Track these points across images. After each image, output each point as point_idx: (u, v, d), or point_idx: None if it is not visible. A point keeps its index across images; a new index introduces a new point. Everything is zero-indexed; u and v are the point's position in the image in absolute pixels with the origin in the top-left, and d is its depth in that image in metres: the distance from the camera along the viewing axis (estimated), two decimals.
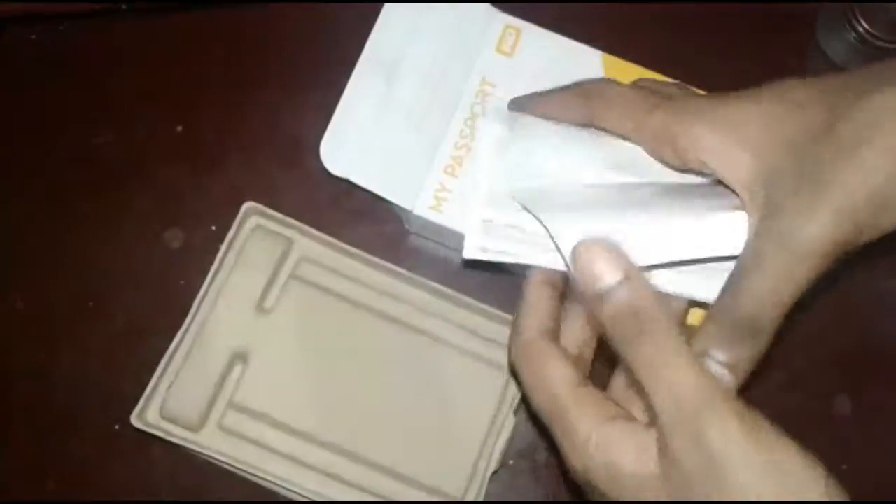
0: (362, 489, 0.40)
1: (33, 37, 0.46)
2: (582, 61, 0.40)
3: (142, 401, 0.39)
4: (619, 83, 0.33)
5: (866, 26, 0.45)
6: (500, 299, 0.43)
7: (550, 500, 0.43)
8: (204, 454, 0.40)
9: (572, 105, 0.34)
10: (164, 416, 0.40)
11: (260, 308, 0.41)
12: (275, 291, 0.41)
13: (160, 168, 0.45)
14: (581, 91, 0.34)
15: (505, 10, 0.42)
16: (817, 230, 0.26)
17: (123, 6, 0.40)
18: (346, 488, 0.40)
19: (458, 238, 0.39)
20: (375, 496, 0.40)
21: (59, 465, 0.42)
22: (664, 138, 0.30)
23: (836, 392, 0.45)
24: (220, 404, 0.40)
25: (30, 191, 0.45)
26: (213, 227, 0.43)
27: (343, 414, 0.40)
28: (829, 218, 0.26)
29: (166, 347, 0.43)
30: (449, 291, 0.42)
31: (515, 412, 0.41)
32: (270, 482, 0.39)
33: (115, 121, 0.45)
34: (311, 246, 0.42)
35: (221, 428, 0.40)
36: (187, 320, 0.40)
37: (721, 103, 0.29)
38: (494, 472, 0.41)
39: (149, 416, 0.40)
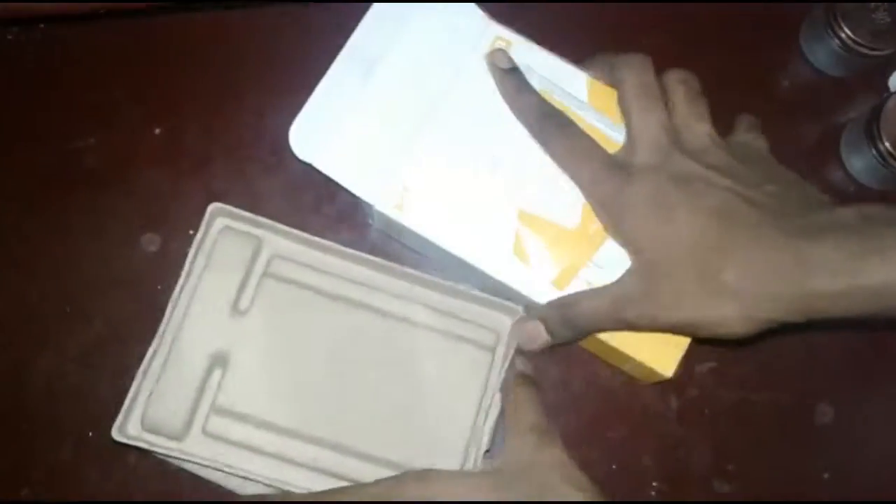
0: (353, 481, 0.39)
1: (10, 38, 0.45)
2: (567, 81, 0.40)
3: (122, 414, 0.38)
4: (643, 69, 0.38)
5: (849, 33, 0.45)
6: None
7: None
8: (190, 461, 0.39)
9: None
10: (147, 427, 0.39)
11: (235, 309, 0.41)
12: (249, 291, 0.41)
13: (139, 171, 0.45)
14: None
15: (496, 18, 0.41)
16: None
17: (101, 11, 0.39)
18: (336, 481, 0.39)
19: (420, 240, 0.39)
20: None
21: (34, 472, 0.41)
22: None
23: (817, 401, 0.45)
24: (203, 409, 0.39)
25: (7, 194, 0.44)
26: (191, 232, 0.43)
27: (328, 407, 0.40)
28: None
29: (144, 352, 0.42)
30: (425, 276, 0.41)
31: (502, 389, 0.41)
32: (260, 482, 0.39)
33: (94, 124, 0.45)
34: (281, 242, 0.42)
35: (206, 433, 0.39)
36: (161, 327, 0.40)
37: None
38: (486, 452, 0.40)
39: (130, 428, 0.39)
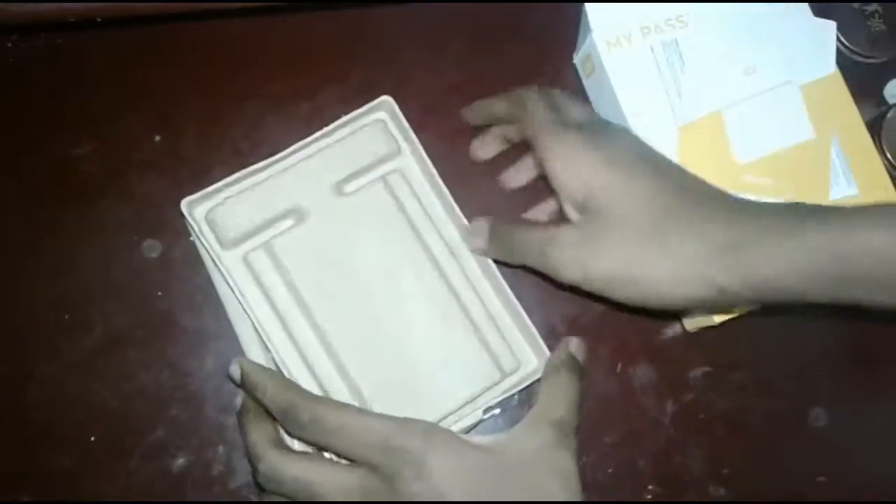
0: (320, 386, 0.40)
1: (9, 45, 0.46)
2: None
3: (200, 195, 0.41)
4: (543, 95, 0.40)
5: (846, 42, 0.45)
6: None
7: None
8: (216, 271, 0.41)
9: (502, 104, 0.43)
10: (208, 219, 0.41)
11: (338, 187, 0.42)
12: (359, 182, 0.43)
13: (139, 178, 0.45)
14: (511, 95, 0.42)
15: None
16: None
17: (98, 19, 0.39)
18: (307, 375, 0.40)
19: (606, 85, 0.43)
20: (318, 388, 0.40)
21: (34, 479, 0.42)
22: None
23: (812, 405, 0.45)
24: (257, 240, 0.41)
25: (7, 201, 0.44)
26: (192, 238, 0.43)
27: (347, 315, 0.41)
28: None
29: (144, 359, 0.43)
30: (502, 280, 0.42)
31: (485, 412, 0.41)
32: (255, 327, 0.40)
33: (94, 131, 0.45)
34: (412, 165, 0.43)
35: (245, 260, 0.41)
36: (283, 154, 0.42)
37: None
38: None
39: (197, 211, 0.41)
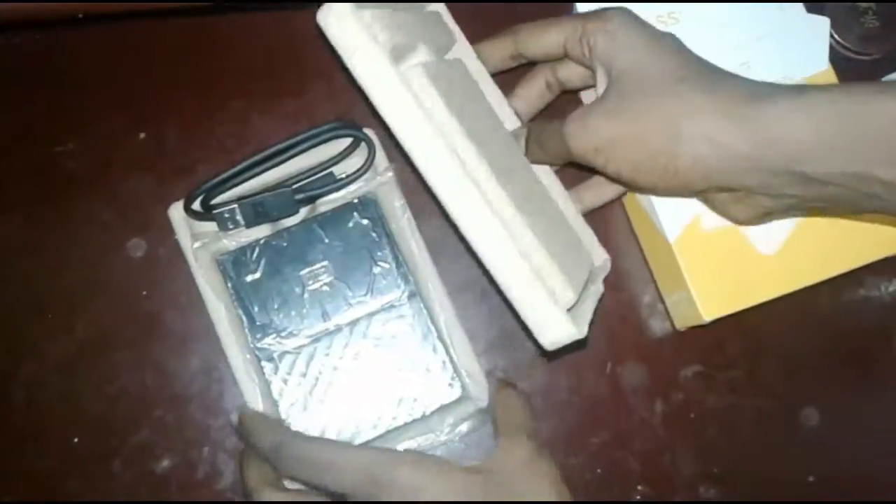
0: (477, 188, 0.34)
1: None
2: None
3: None
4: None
5: (839, 39, 0.45)
6: None
7: None
8: (199, 270, 0.41)
9: (501, 42, 0.42)
10: (367, 21, 0.33)
11: (440, 50, 0.39)
12: (447, 54, 0.41)
13: (123, 176, 0.44)
14: (507, 30, 0.42)
15: None
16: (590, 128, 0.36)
17: (80, 15, 0.39)
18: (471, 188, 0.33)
19: None
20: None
21: (16, 480, 0.41)
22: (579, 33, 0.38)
23: (803, 405, 0.45)
24: (412, 59, 0.36)
25: None
26: (176, 237, 0.43)
27: (499, 157, 0.36)
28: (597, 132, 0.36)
29: (128, 359, 0.42)
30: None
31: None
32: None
33: (77, 129, 0.44)
34: (471, 61, 0.42)
35: (403, 79, 0.33)
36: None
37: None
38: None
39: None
